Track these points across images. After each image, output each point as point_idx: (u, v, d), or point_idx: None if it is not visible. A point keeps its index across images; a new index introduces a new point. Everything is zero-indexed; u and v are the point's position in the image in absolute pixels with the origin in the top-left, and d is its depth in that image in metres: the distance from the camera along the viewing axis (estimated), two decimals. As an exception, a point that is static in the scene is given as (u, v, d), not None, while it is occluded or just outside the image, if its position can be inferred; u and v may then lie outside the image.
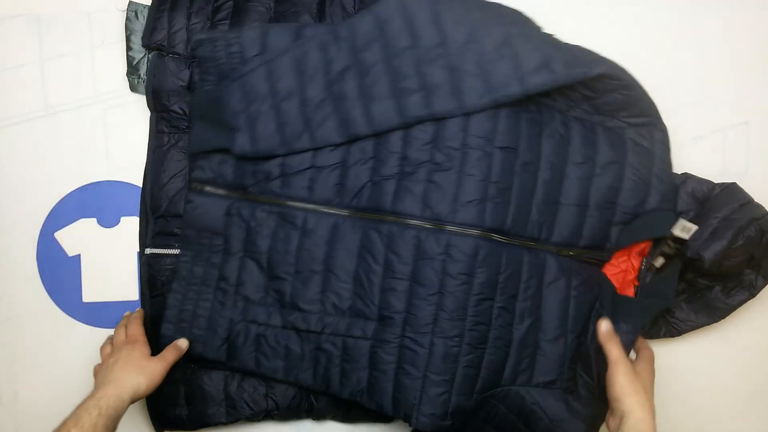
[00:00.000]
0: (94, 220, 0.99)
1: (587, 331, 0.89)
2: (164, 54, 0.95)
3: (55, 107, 0.98)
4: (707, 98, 0.97)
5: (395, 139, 0.88)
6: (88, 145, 0.98)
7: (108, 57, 0.98)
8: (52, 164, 0.99)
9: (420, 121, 0.87)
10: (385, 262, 0.88)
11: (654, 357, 0.83)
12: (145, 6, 0.95)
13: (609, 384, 0.79)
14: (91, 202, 0.99)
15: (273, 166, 0.91)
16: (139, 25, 0.95)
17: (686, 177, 0.90)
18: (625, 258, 0.93)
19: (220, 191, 0.93)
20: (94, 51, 0.98)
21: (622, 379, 0.77)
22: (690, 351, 0.97)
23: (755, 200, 0.88)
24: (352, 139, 0.89)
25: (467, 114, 0.86)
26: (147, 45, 0.94)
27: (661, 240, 0.89)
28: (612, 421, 0.79)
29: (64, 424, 0.75)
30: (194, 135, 0.92)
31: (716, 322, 0.92)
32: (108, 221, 0.99)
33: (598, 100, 0.87)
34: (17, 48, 0.98)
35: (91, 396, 0.79)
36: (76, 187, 0.99)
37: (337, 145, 0.89)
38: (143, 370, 0.83)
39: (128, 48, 0.96)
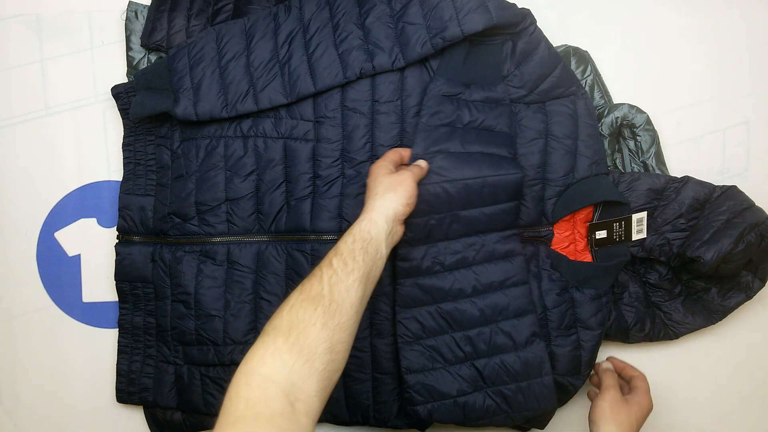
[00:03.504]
0: (94, 220, 0.99)
1: (549, 304, 0.88)
2: (163, 54, 0.95)
3: (55, 107, 0.98)
4: (707, 98, 0.97)
5: (304, 161, 0.89)
6: (88, 145, 0.98)
7: (108, 57, 0.98)
8: (52, 164, 0.99)
9: (364, 76, 0.87)
10: None
11: (649, 388, 0.83)
12: (145, 6, 0.95)
13: (592, 406, 0.80)
14: (91, 202, 0.99)
15: (188, 207, 0.91)
16: (139, 25, 0.95)
17: (687, 179, 0.90)
18: (569, 228, 0.92)
19: (144, 239, 0.94)
20: (94, 51, 0.98)
21: (605, 404, 0.79)
22: (690, 351, 0.97)
23: (755, 204, 0.88)
24: (296, 100, 0.88)
25: (375, 119, 0.88)
26: (145, 45, 0.94)
27: (604, 210, 0.90)
28: None
29: (326, 256, 0.71)
30: (135, 102, 0.89)
31: (713, 324, 0.92)
32: (108, 221, 0.99)
33: (530, 86, 0.88)
34: (17, 48, 0.98)
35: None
36: (76, 187, 0.99)
37: (248, 175, 0.90)
38: (391, 187, 0.77)
39: (128, 48, 0.95)
